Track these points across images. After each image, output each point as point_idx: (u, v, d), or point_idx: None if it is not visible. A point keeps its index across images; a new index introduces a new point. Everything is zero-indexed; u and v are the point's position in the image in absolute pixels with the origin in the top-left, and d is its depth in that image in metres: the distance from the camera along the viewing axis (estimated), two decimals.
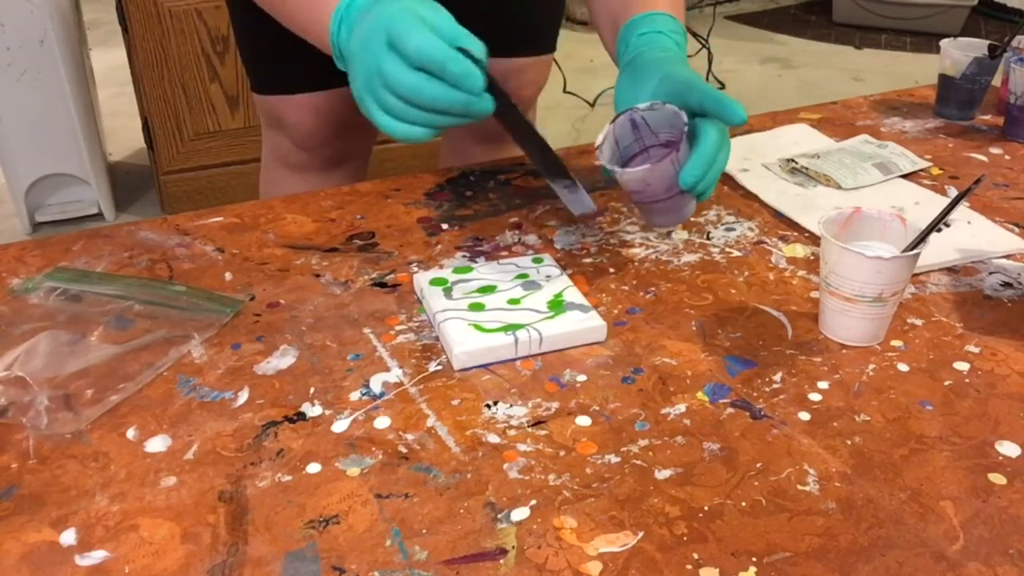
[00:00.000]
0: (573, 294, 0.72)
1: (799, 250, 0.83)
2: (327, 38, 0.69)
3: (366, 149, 1.17)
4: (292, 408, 0.62)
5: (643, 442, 0.60)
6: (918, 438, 0.61)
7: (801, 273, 0.80)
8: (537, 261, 0.77)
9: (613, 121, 0.75)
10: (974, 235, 0.86)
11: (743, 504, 0.55)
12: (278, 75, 1.03)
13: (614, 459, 0.58)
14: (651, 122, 0.75)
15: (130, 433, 0.60)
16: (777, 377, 0.66)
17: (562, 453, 0.59)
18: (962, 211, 0.90)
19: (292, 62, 0.99)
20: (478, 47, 0.62)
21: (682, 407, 0.63)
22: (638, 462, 0.58)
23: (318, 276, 0.78)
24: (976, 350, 0.70)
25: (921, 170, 1.00)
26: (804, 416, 0.62)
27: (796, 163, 0.98)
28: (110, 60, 2.73)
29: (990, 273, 0.80)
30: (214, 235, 0.84)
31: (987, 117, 1.15)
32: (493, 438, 0.60)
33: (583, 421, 0.62)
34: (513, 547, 0.52)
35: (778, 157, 1.00)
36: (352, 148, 1.13)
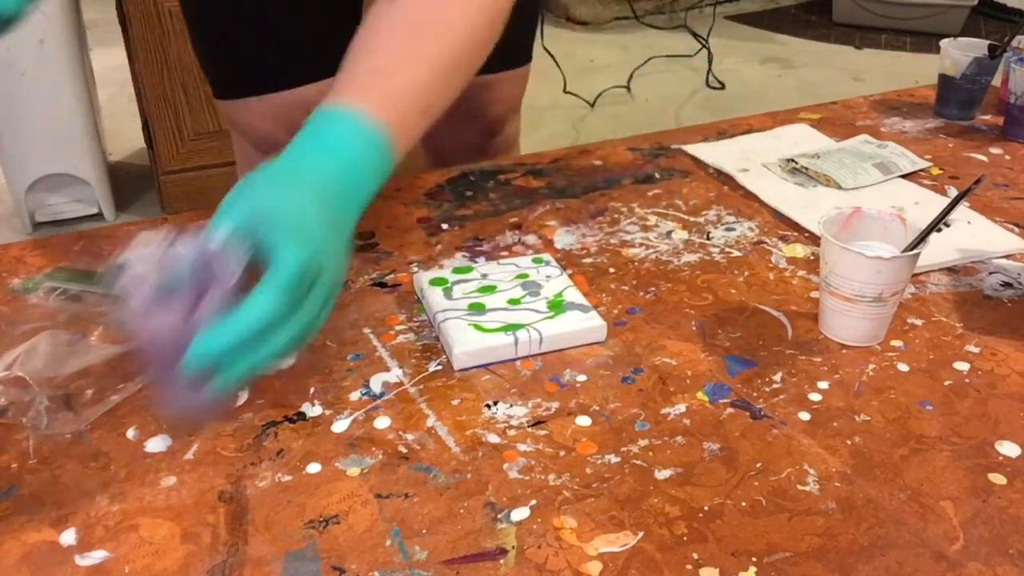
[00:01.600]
0: (573, 294, 0.72)
1: (799, 250, 0.83)
2: None
3: None
4: (292, 408, 0.62)
5: (643, 442, 0.60)
6: (918, 438, 0.61)
7: (801, 273, 0.80)
8: (537, 261, 0.77)
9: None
10: (974, 235, 0.86)
11: (743, 504, 0.55)
12: (227, 77, 1.00)
13: (614, 459, 0.58)
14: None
15: (130, 433, 0.60)
16: (777, 377, 0.66)
17: (562, 453, 0.59)
18: (962, 211, 0.90)
19: (242, 64, 0.97)
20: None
21: (682, 407, 0.63)
22: (638, 462, 0.58)
23: None
24: (976, 350, 0.70)
25: (921, 170, 1.00)
26: (804, 416, 0.62)
27: (796, 163, 0.98)
28: (110, 60, 2.72)
29: (990, 273, 0.80)
30: None
31: (987, 117, 1.15)
32: (493, 438, 0.60)
33: (583, 421, 0.62)
34: (513, 547, 0.52)
35: (778, 157, 1.00)
36: None
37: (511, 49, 1.08)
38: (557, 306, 0.71)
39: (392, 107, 0.61)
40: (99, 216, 2.12)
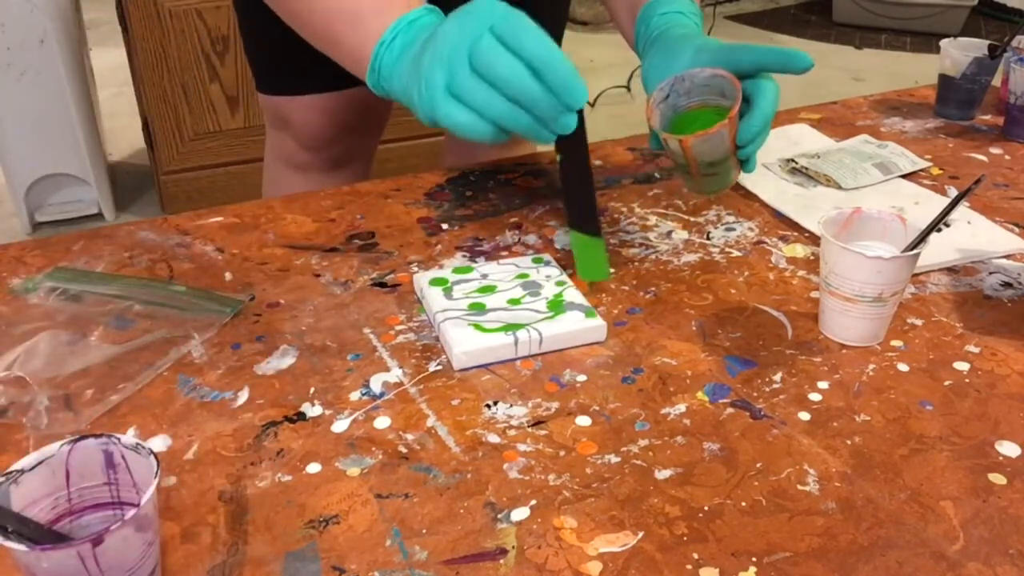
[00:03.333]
0: (573, 294, 0.72)
1: (799, 250, 0.83)
2: (369, 46, 0.67)
3: (370, 151, 1.17)
4: (292, 408, 0.62)
5: (643, 442, 0.60)
6: (918, 438, 0.61)
7: (801, 273, 0.80)
8: (537, 261, 0.77)
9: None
10: (974, 235, 0.86)
11: (743, 504, 0.55)
12: (285, 75, 1.03)
13: (614, 459, 0.58)
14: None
15: (130, 433, 0.60)
16: (777, 377, 0.66)
17: (562, 453, 0.59)
18: (962, 211, 0.90)
19: (300, 62, 0.99)
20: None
21: (682, 407, 0.63)
22: (638, 462, 0.58)
23: (318, 276, 0.78)
24: (976, 350, 0.70)
25: (921, 170, 1.00)
26: (804, 416, 0.62)
27: (796, 163, 0.98)
28: (110, 60, 2.73)
29: (990, 273, 0.80)
30: (214, 235, 0.84)
31: (987, 117, 1.15)
32: (493, 438, 0.60)
33: (583, 421, 0.62)
34: (513, 547, 0.52)
35: (778, 157, 1.00)
36: (356, 150, 1.13)
37: None
38: (557, 306, 0.71)
39: None
40: (99, 216, 2.12)
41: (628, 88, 2.93)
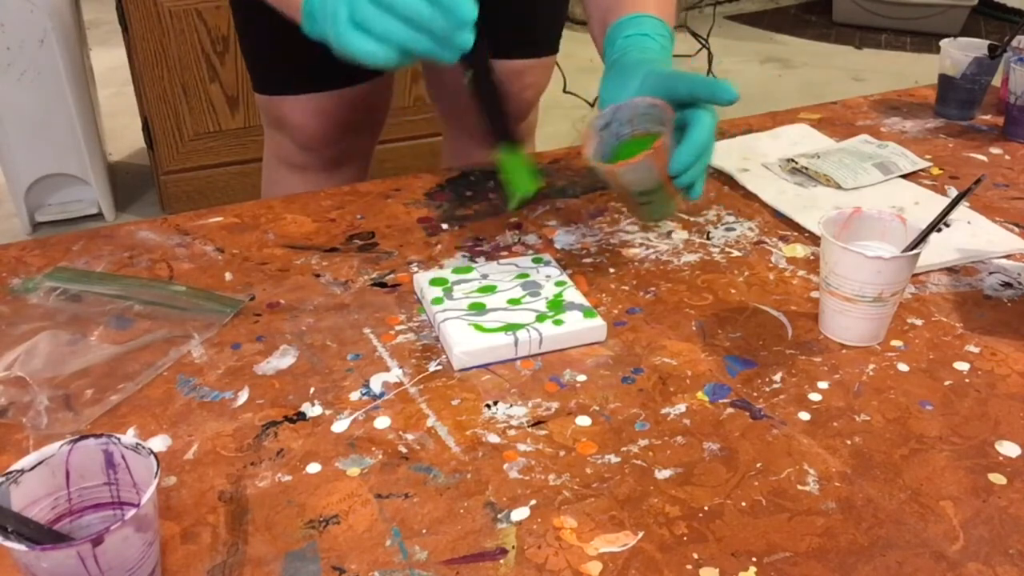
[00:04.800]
0: (573, 294, 0.72)
1: (799, 250, 0.83)
2: None
3: (368, 151, 1.17)
4: (292, 408, 0.62)
5: (643, 442, 0.60)
6: (918, 438, 0.61)
7: (801, 273, 0.80)
8: (537, 261, 0.77)
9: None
10: (974, 235, 0.86)
11: (743, 504, 0.55)
12: (282, 75, 1.03)
13: (614, 459, 0.58)
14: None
15: (130, 433, 0.60)
16: (777, 377, 0.66)
17: (562, 453, 0.59)
18: (962, 211, 0.90)
19: (296, 62, 0.99)
20: None
21: (682, 407, 0.63)
22: (638, 462, 0.58)
23: (318, 276, 0.78)
24: (976, 350, 0.70)
25: (921, 170, 1.00)
26: (804, 416, 0.62)
27: (796, 163, 0.98)
28: (110, 60, 2.73)
29: (990, 273, 0.80)
30: (214, 235, 0.84)
31: (987, 117, 1.15)
32: (493, 438, 0.60)
33: (583, 421, 0.62)
34: (513, 547, 0.52)
35: (778, 157, 1.00)
36: (355, 149, 1.13)
37: (543, 37, 1.12)
38: (557, 306, 0.71)
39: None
40: (99, 216, 2.12)
41: None
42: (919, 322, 0.73)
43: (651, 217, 0.78)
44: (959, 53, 1.11)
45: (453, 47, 0.63)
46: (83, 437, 0.48)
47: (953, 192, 0.95)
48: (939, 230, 0.79)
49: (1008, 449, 0.60)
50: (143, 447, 0.48)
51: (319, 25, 0.68)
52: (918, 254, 0.66)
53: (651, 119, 0.73)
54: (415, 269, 0.79)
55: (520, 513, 0.54)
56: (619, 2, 0.82)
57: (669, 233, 0.85)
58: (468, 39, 0.62)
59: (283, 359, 0.67)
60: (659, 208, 0.75)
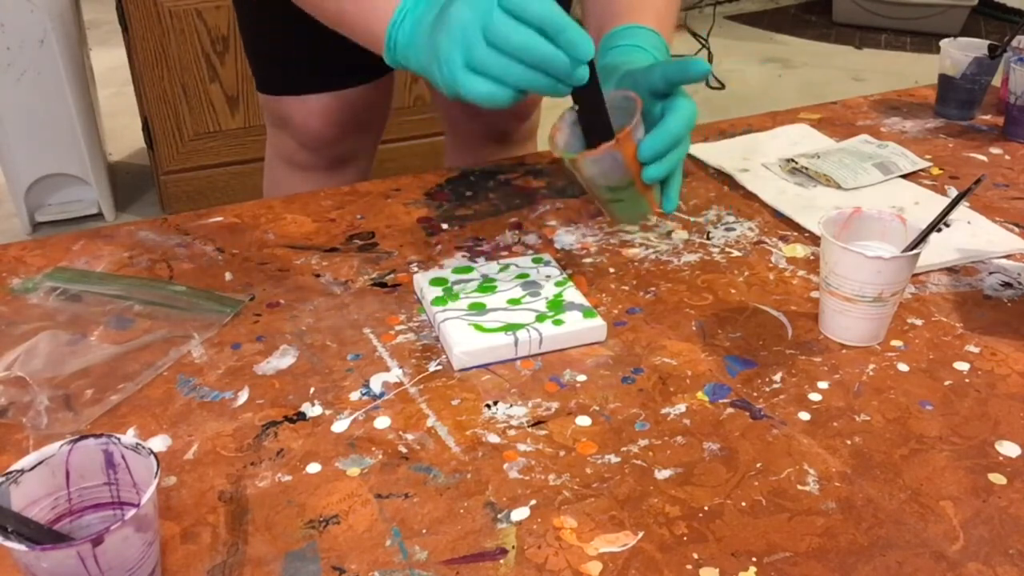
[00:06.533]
0: (573, 294, 0.72)
1: (799, 250, 0.83)
2: (380, 27, 0.68)
3: (371, 150, 1.17)
4: (292, 408, 0.62)
5: (643, 442, 0.60)
6: (918, 438, 0.61)
7: (801, 273, 0.80)
8: (537, 261, 0.77)
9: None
10: (974, 235, 0.86)
11: (743, 504, 0.55)
12: (285, 75, 1.03)
13: (614, 459, 0.58)
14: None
15: (130, 433, 0.60)
16: (777, 377, 0.66)
17: (562, 453, 0.59)
18: (962, 211, 0.90)
19: (300, 62, 0.99)
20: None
21: (682, 407, 0.63)
22: (638, 462, 0.58)
23: (318, 276, 0.78)
24: (976, 350, 0.70)
25: (921, 170, 1.00)
26: (804, 416, 0.62)
27: (796, 163, 0.98)
28: (110, 60, 2.73)
29: (990, 273, 0.80)
30: (214, 235, 0.84)
31: (987, 117, 1.15)
32: (493, 438, 0.60)
33: (583, 421, 0.62)
34: (513, 547, 0.52)
35: (778, 157, 1.00)
36: (357, 148, 1.13)
37: None
38: (557, 306, 0.71)
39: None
40: (99, 216, 2.12)
41: None
42: (919, 322, 0.73)
43: (623, 218, 0.75)
44: (959, 53, 1.11)
45: (570, 83, 0.62)
46: (83, 437, 0.48)
47: (953, 192, 0.95)
48: (939, 230, 0.79)
49: (1008, 449, 0.60)
50: (143, 447, 0.48)
51: (413, 62, 0.67)
52: (918, 254, 0.66)
53: (626, 112, 0.70)
54: (415, 269, 0.79)
55: (520, 513, 0.54)
56: (617, 11, 0.80)
57: (669, 233, 0.85)
58: (584, 74, 0.62)
59: (283, 359, 0.67)
60: (630, 207, 0.72)
